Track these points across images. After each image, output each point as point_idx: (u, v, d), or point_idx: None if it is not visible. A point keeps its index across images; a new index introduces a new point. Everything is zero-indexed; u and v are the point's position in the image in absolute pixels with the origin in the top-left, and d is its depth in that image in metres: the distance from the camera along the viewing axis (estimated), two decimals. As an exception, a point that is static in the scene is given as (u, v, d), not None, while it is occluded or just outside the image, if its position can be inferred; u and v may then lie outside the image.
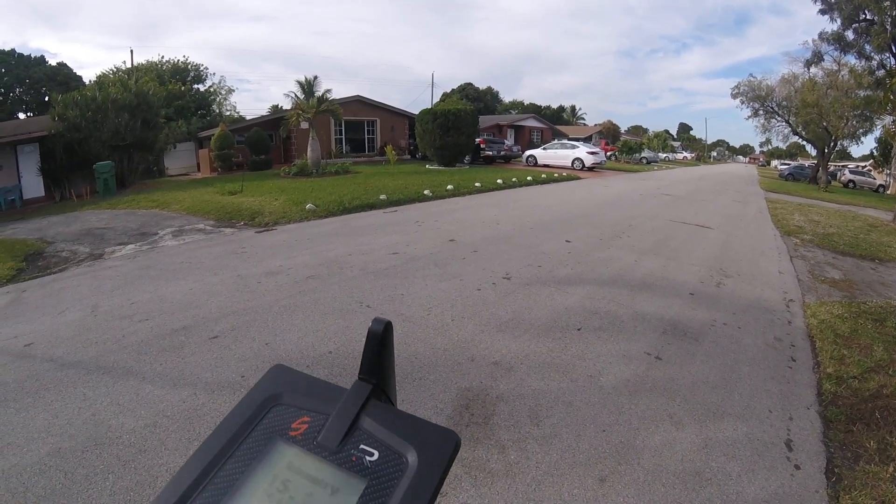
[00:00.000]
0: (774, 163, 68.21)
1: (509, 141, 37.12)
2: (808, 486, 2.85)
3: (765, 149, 73.58)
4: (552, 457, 2.97)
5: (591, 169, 27.58)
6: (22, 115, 44.83)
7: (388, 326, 0.60)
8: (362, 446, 0.53)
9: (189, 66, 49.41)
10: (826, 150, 34.50)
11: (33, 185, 21.52)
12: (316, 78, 22.28)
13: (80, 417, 3.70)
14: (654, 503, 2.66)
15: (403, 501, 0.47)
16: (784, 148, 65.37)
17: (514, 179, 19.39)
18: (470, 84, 76.28)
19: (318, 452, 0.52)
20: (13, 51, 49.71)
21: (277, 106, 36.73)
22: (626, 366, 4.18)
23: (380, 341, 0.60)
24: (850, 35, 27.27)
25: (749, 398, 3.76)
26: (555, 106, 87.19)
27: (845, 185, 37.89)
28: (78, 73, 51.62)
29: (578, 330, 4.91)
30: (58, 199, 20.51)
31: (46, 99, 39.76)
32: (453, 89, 72.36)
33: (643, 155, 47.58)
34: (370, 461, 0.51)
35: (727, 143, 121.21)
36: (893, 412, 3.65)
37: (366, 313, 5.32)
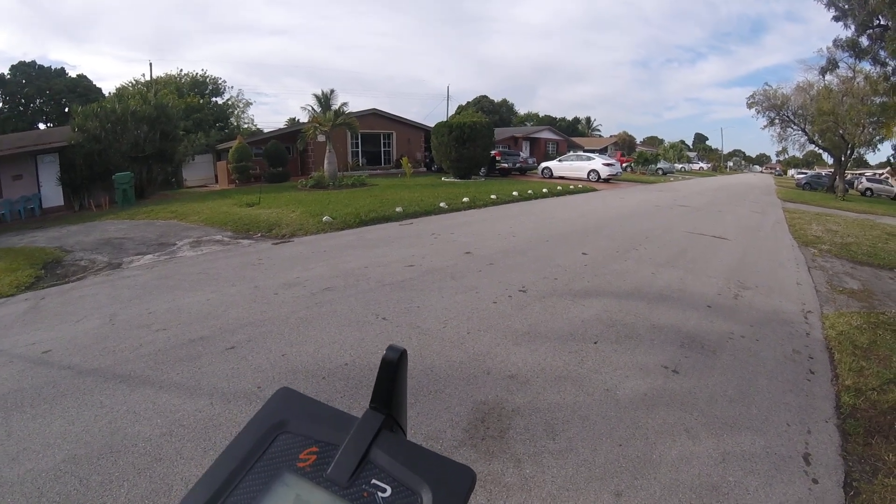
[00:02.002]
0: (791, 172, 67.43)
1: (525, 153, 37.24)
2: (826, 500, 2.82)
3: (781, 158, 72.90)
4: (568, 471, 2.96)
5: (606, 180, 27.50)
6: (42, 126, 45.60)
7: (402, 355, 0.58)
8: (374, 481, 0.51)
9: (208, 80, 50.10)
10: (843, 159, 34.09)
11: (53, 194, 21.87)
12: (333, 91, 22.52)
13: (97, 425, 3.74)
14: (671, 518, 2.64)
15: None
16: (801, 157, 64.83)
17: (529, 191, 19.40)
18: (485, 97, 76.63)
19: (327, 486, 0.50)
20: (34, 62, 50.73)
21: (295, 119, 37.23)
22: (643, 379, 4.16)
23: (394, 369, 0.58)
24: (864, 41, 26.98)
25: (767, 411, 3.72)
26: (570, 117, 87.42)
27: (863, 193, 37.33)
28: (97, 85, 52.54)
29: (595, 343, 4.89)
30: (77, 209, 20.83)
31: (66, 110, 40.44)
32: (468, 102, 72.72)
33: (659, 166, 47.34)
34: (382, 498, 0.49)
35: (743, 152, 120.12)
36: (913, 425, 3.58)
37: (382, 325, 5.34)
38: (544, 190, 20.28)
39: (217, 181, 30.47)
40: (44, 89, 49.39)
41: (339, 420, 0.57)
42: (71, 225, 15.17)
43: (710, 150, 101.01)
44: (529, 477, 2.91)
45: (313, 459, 0.53)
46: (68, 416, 3.89)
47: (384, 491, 0.50)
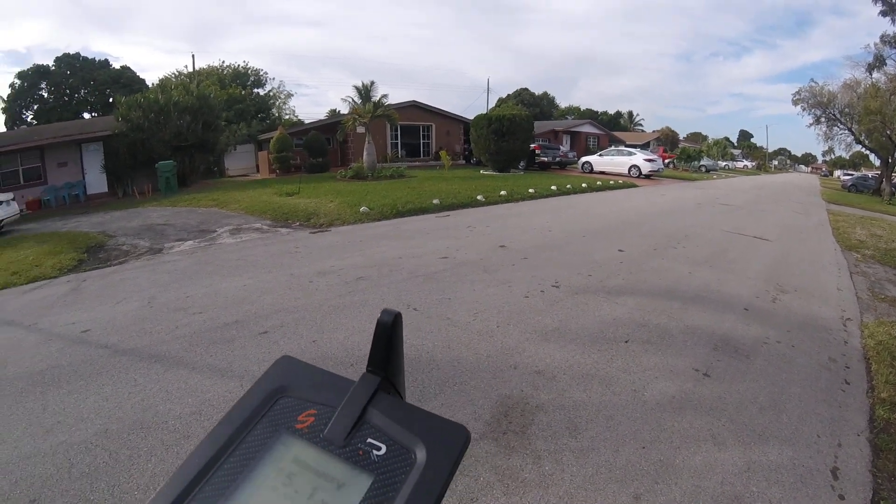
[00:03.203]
0: (837, 173, 65.21)
1: (565, 147, 36.80)
2: None
3: (827, 158, 70.65)
4: (587, 470, 2.94)
5: (647, 177, 27.04)
6: (86, 116, 46.85)
7: (397, 318, 0.59)
8: (370, 440, 0.52)
9: (249, 71, 51.02)
10: (889, 161, 32.76)
11: (97, 181, 22.67)
12: (373, 83, 22.66)
13: (130, 402, 3.88)
14: (690, 525, 2.60)
15: (411, 498, 0.46)
16: (847, 157, 62.63)
17: (568, 186, 19.22)
18: (525, 89, 76.07)
19: (324, 446, 0.52)
20: (77, 54, 52.09)
21: (335, 110, 37.59)
22: (672, 381, 4.09)
23: (389, 333, 0.58)
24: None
25: (798, 421, 3.61)
26: (611, 111, 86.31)
27: (910, 196, 35.90)
28: (141, 76, 53.65)
29: (626, 342, 4.84)
30: (120, 196, 21.50)
31: (110, 100, 41.48)
32: (509, 95, 72.35)
33: (702, 163, 46.28)
34: (377, 455, 0.50)
35: (789, 151, 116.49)
36: (951, 442, 3.42)
37: (412, 316, 5.38)
38: (583, 185, 20.07)
39: (258, 171, 31.00)
40: (88, 80, 50.78)
41: (337, 384, 0.58)
42: (114, 211, 15.64)
43: (755, 147, 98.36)
44: (548, 474, 2.90)
45: (311, 421, 0.54)
46: (103, 393, 4.04)
47: (379, 449, 0.51)
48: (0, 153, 20.92)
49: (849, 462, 3.19)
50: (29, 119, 48.90)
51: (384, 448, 0.51)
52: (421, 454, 0.50)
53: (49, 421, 3.71)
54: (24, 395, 4.15)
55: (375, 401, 0.55)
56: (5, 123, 46.18)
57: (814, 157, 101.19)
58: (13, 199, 15.59)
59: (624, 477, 2.90)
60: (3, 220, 14.42)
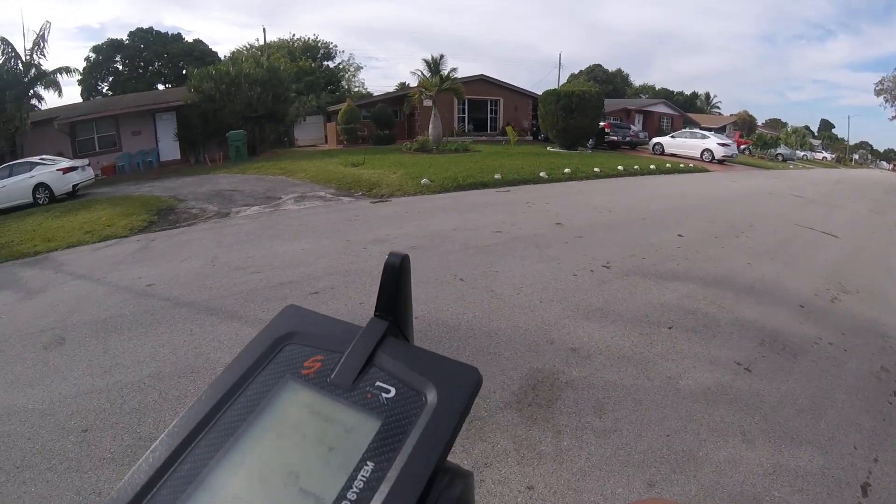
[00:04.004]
0: (921, 170, 60.88)
1: (636, 127, 35.77)
2: None
3: (911, 154, 65.93)
4: (606, 451, 2.94)
5: (720, 162, 26.03)
6: (160, 87, 48.46)
7: (404, 260, 0.57)
8: (378, 383, 0.51)
9: (319, 44, 51.69)
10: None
11: (170, 148, 23.87)
12: (442, 56, 22.70)
13: (183, 348, 4.19)
14: (699, 520, 2.57)
15: (421, 440, 0.45)
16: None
17: (636, 167, 18.78)
18: (599, 66, 74.25)
19: (331, 391, 0.50)
20: (151, 28, 53.76)
21: (405, 83, 37.59)
22: (711, 372, 4.00)
23: (396, 276, 0.57)
24: None
25: (835, 429, 3.45)
26: (688, 92, 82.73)
27: None
28: (213, 49, 55.06)
29: (669, 328, 4.75)
30: (192, 163, 22.54)
31: (183, 72, 42.86)
32: (581, 71, 70.80)
33: (779, 151, 44.02)
34: (386, 398, 0.49)
35: (870, 145, 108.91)
36: None
37: (458, 286, 5.49)
38: (652, 166, 19.55)
39: (326, 141, 31.67)
40: (161, 53, 52.49)
41: (344, 330, 0.57)
42: (186, 177, 16.37)
43: (836, 139, 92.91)
44: (565, 449, 2.93)
45: (318, 367, 0.53)
46: (160, 340, 4.36)
47: (388, 392, 0.50)
48: (77, 122, 22.23)
49: (882, 479, 3.01)
50: (104, 90, 51.02)
51: (393, 391, 0.50)
52: (431, 396, 0.49)
53: (108, 363, 4.04)
54: (87, 340, 4.51)
55: (384, 345, 0.54)
56: (81, 95, 48.09)
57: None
58: (88, 165, 16.68)
59: (642, 462, 2.88)
60: (78, 183, 15.42)
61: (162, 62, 53.15)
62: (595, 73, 69.80)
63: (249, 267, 6.32)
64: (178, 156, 23.84)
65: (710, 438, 3.16)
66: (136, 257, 7.22)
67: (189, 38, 56.39)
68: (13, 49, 20.90)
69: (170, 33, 54.92)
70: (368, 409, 0.48)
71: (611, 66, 76.98)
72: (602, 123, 27.46)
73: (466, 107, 31.94)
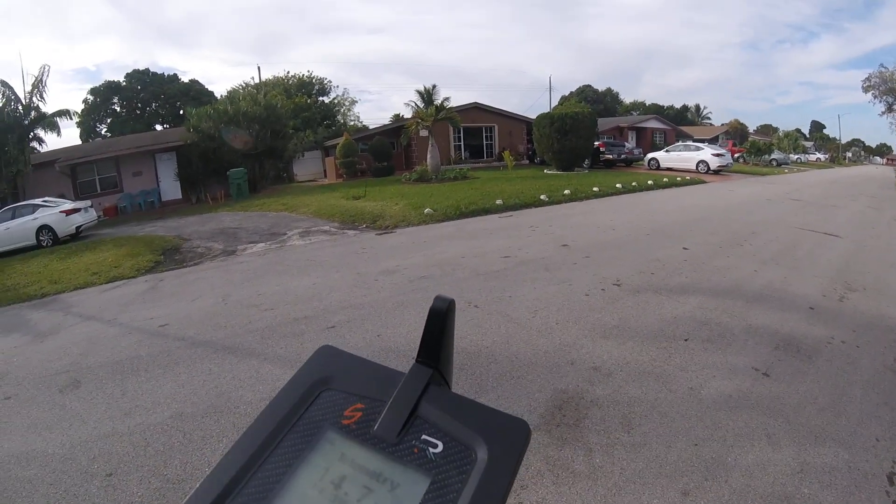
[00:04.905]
0: (914, 164, 61.09)
1: (630, 143, 36.24)
2: None
3: (904, 148, 66.36)
4: (638, 464, 3.01)
5: (716, 172, 26.25)
6: (158, 127, 49.33)
7: (451, 305, 0.56)
8: (424, 437, 0.48)
9: (314, 80, 52.47)
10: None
11: (171, 188, 24.19)
12: (434, 87, 23.05)
13: (204, 388, 4.22)
14: (736, 523, 2.63)
15: (475, 499, 0.43)
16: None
17: (633, 183, 18.95)
18: (589, 86, 75.25)
19: (374, 444, 0.48)
20: (147, 70, 55.08)
21: (399, 115, 38.21)
22: (730, 380, 4.09)
23: (443, 320, 0.55)
24: None
25: (857, 424, 3.53)
26: (678, 105, 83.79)
27: None
28: (209, 89, 56.32)
29: (685, 340, 4.84)
30: (194, 202, 22.78)
31: (181, 112, 43.61)
32: (571, 92, 71.69)
33: (773, 156, 44.22)
34: (434, 454, 0.47)
35: (863, 142, 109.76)
36: None
37: (473, 313, 5.54)
38: (649, 182, 19.74)
39: (325, 176, 31.98)
40: (158, 94, 53.62)
41: (384, 376, 0.55)
42: (188, 216, 16.49)
43: (828, 139, 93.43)
44: (598, 466, 2.99)
45: (359, 416, 0.51)
46: (179, 381, 4.40)
47: (436, 447, 0.48)
48: (78, 164, 22.55)
49: None
50: (103, 132, 51.95)
51: (441, 445, 0.48)
52: (482, 452, 0.47)
53: (127, 405, 4.08)
54: (104, 382, 4.56)
55: (428, 394, 0.52)
56: (80, 137, 49.13)
57: (889, 148, 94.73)
58: (90, 206, 16.86)
59: (674, 472, 2.95)
60: (81, 225, 15.60)
61: (159, 103, 54.25)
62: (585, 94, 70.70)
63: (262, 304, 6.39)
64: (179, 195, 24.14)
65: (736, 444, 3.23)
66: (145, 298, 7.30)
67: (185, 78, 57.76)
68: (13, 92, 21.36)
69: (165, 74, 56.23)
70: (416, 466, 0.46)
71: (600, 86, 78.25)
72: (596, 143, 27.74)
73: (462, 134, 32.37)
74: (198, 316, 6.20)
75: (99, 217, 18.37)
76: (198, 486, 0.45)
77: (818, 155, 71.54)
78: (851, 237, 9.94)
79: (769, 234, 9.83)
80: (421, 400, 0.51)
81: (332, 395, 0.54)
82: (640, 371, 4.23)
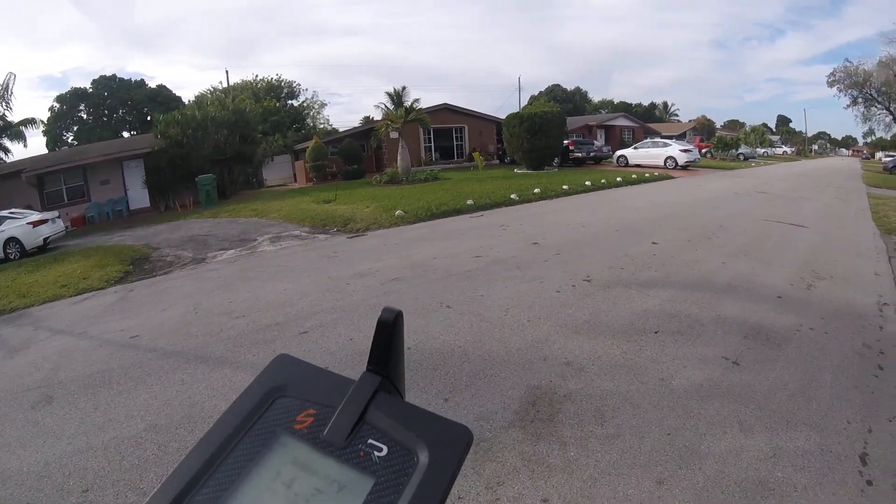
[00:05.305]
0: (879, 155, 62.78)
1: (599, 141, 36.59)
2: (879, 503, 2.70)
3: (868, 140, 68.15)
4: (612, 456, 3.02)
5: (684, 167, 26.62)
6: (126, 134, 48.25)
7: (398, 316, 0.58)
8: (371, 441, 0.51)
9: (283, 83, 51.91)
10: (933, 140, 31.77)
11: (139, 196, 23.67)
12: (405, 88, 23.09)
13: (177, 399, 4.13)
14: (711, 508, 2.65)
15: (413, 501, 0.45)
16: (888, 138, 60.47)
17: (602, 181, 19.13)
18: (558, 85, 75.82)
19: (324, 447, 0.50)
20: (114, 76, 54.05)
21: (370, 117, 37.98)
22: (701, 370, 4.12)
23: (390, 331, 0.57)
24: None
25: (827, 407, 3.59)
26: (646, 103, 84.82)
27: (955, 176, 34.26)
28: (177, 94, 55.38)
29: (656, 333, 4.88)
30: (163, 210, 22.29)
31: (148, 118, 42.87)
32: (541, 92, 72.13)
33: (740, 151, 45.06)
34: (379, 457, 0.49)
35: (828, 135, 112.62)
36: None
37: (445, 313, 5.53)
38: (618, 179, 19.94)
39: (295, 180, 31.64)
40: (125, 100, 52.67)
41: (337, 383, 0.57)
42: (157, 224, 16.21)
43: (794, 132, 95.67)
44: (573, 459, 3.00)
45: (310, 422, 0.53)
46: (152, 392, 4.30)
47: (380, 450, 0.50)
48: (44, 174, 22.01)
49: (879, 448, 3.15)
50: (70, 140, 50.77)
51: (385, 449, 0.50)
52: (423, 456, 0.49)
53: (101, 419, 3.97)
54: (77, 397, 4.43)
55: (376, 401, 0.54)
56: (47, 145, 47.89)
57: (854, 140, 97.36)
58: (58, 217, 16.41)
59: (648, 462, 2.96)
60: (49, 236, 15.21)
61: (126, 109, 53.24)
62: (555, 93, 71.15)
63: (233, 311, 6.28)
64: (147, 203, 23.61)
65: (709, 432, 3.26)
66: (115, 309, 7.12)
67: (152, 84, 56.71)
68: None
69: (133, 80, 55.21)
70: (361, 468, 0.49)
71: (570, 85, 78.73)
72: (566, 141, 27.95)
73: (432, 136, 32.35)
74: (169, 326, 6.08)
75: (67, 228, 17.91)
76: (157, 487, 0.47)
77: (784, 148, 73.13)
78: (818, 228, 10.15)
79: (737, 228, 9.98)
80: (369, 406, 0.53)
81: (287, 401, 0.56)
82: (611, 364, 4.25)
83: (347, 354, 4.62)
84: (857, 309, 5.58)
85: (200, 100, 33.06)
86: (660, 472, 2.88)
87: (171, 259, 10.30)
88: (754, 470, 2.91)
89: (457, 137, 34.43)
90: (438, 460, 0.49)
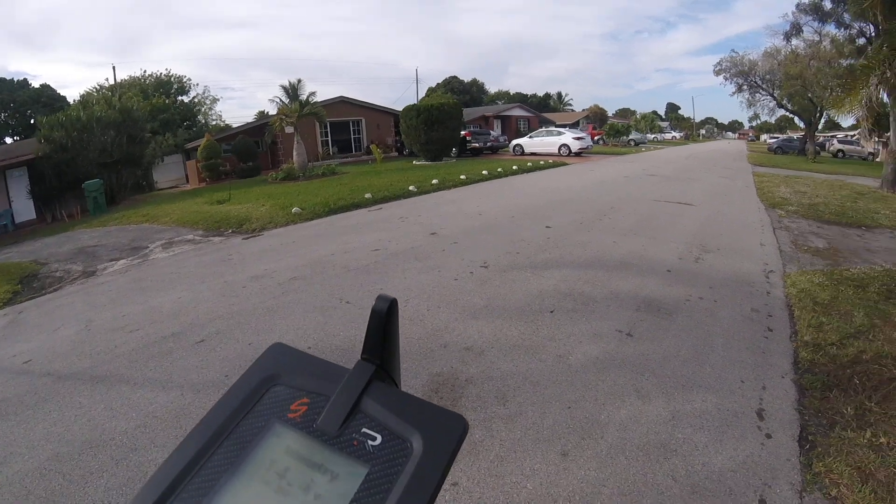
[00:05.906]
0: (764, 137, 68.04)
1: (496, 132, 37.20)
2: (780, 455, 2.84)
3: (754, 124, 73.84)
4: (516, 434, 3.03)
5: (578, 154, 27.54)
6: (9, 140, 44.74)
7: (392, 304, 0.57)
8: (364, 430, 0.50)
9: (172, 79, 49.46)
10: (812, 122, 34.84)
11: (24, 208, 21.73)
12: (300, 81, 22.51)
13: (77, 424, 3.86)
14: (615, 475, 2.70)
15: (407, 489, 0.45)
16: (773, 122, 65.59)
17: (499, 170, 19.42)
18: (455, 77, 76.40)
19: (317, 436, 0.50)
20: None
21: (264, 112, 36.96)
22: (596, 344, 4.23)
23: (384, 319, 0.56)
24: (827, 4, 27.51)
25: (721, 370, 3.76)
26: (541, 94, 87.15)
27: (834, 154, 37.49)
28: (62, 94, 51.81)
29: (551, 312, 4.97)
30: (50, 221, 20.66)
31: (32, 122, 39.76)
32: (438, 84, 72.47)
33: (631, 137, 47.30)
34: (373, 446, 0.49)
35: (716, 120, 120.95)
36: (873, 377, 3.58)
37: (345, 309, 5.41)
38: (514, 167, 20.32)
39: (188, 181, 30.29)
40: (7, 102, 48.72)
41: (330, 372, 0.57)
42: (45, 237, 15.07)
43: (683, 119, 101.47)
44: (478, 441, 2.99)
45: (304, 410, 0.53)
46: (50, 419, 4.00)
47: (374, 439, 0.50)
48: None
49: (774, 403, 3.34)
50: (-57, 149, 46.24)
51: (380, 438, 0.50)
52: (417, 444, 0.49)
53: (1, 453, 3.65)
54: (-28, 433, 4.01)
55: (370, 389, 0.54)
56: None
57: (740, 124, 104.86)
58: None
59: (551, 436, 3.00)
60: None
61: (8, 112, 49.34)
62: (452, 85, 71.70)
63: (127, 326, 5.91)
64: (34, 215, 21.66)
65: (608, 402, 3.34)
66: (5, 333, 6.55)
67: (36, 84, 52.86)
68: None
69: (15, 80, 51.18)
70: (355, 457, 0.48)
71: (467, 77, 79.70)
72: (463, 132, 28.20)
73: (329, 129, 31.72)
74: (62, 347, 5.63)
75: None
76: (151, 476, 0.47)
77: (674, 133, 77.35)
78: (706, 205, 10.73)
79: (628, 208, 10.39)
80: (363, 395, 0.53)
81: (281, 390, 0.56)
82: (510, 346, 4.28)
83: (247, 361, 4.31)
84: (744, 277, 5.91)
85: (86, 99, 30.81)
86: (563, 445, 2.92)
87: (59, 274, 9.56)
88: (655, 434, 3.00)
89: (354, 131, 33.99)
90: (433, 449, 0.48)
